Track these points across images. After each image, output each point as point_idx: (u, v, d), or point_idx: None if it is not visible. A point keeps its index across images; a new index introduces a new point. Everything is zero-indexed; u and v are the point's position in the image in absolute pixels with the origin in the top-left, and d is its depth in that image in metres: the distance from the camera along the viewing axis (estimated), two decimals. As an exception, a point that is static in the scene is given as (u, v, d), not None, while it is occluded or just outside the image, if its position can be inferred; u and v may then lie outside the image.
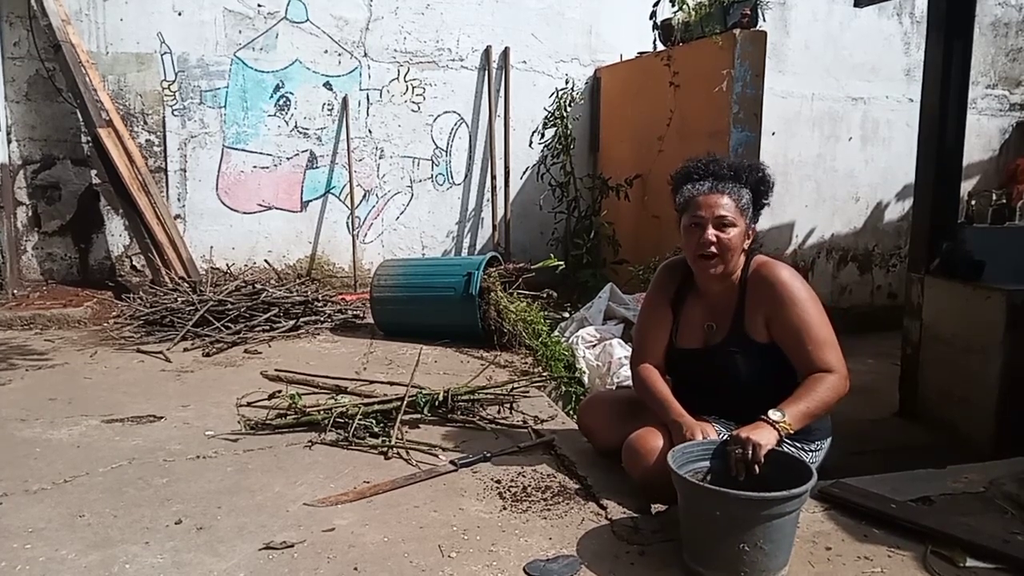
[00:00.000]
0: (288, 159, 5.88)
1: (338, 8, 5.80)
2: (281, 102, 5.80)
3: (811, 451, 2.31)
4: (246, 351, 4.14)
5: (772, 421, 2.03)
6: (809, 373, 2.17)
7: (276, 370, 3.69)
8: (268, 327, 4.53)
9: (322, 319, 4.81)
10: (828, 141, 6.66)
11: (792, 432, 2.06)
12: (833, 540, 2.04)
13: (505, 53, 6.11)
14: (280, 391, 3.12)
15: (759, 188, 2.34)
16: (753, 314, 2.28)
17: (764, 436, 1.98)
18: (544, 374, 3.84)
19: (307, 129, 5.88)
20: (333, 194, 6.01)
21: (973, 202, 5.51)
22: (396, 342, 4.36)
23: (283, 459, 2.61)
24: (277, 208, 5.91)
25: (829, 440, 2.38)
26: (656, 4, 5.19)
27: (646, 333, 2.52)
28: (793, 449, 2.21)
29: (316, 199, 5.99)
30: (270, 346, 4.28)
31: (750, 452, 1.95)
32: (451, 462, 2.55)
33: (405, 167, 6.11)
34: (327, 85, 5.86)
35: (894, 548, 1.99)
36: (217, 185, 5.77)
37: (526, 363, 4.00)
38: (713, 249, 2.25)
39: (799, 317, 2.20)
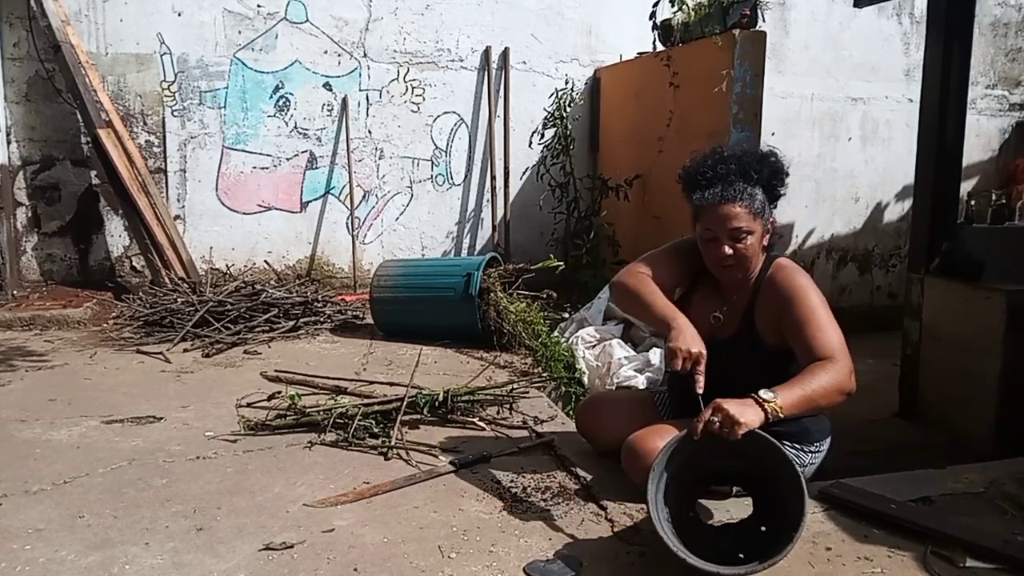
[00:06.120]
0: (288, 160, 5.87)
1: (337, 8, 5.80)
2: (281, 103, 5.80)
3: (810, 452, 2.30)
4: (246, 352, 4.14)
5: (762, 400, 1.91)
6: (811, 361, 2.06)
7: (276, 371, 3.69)
8: (268, 328, 4.53)
9: (322, 320, 4.81)
10: (828, 141, 6.65)
11: (783, 416, 1.92)
12: (833, 540, 2.04)
13: (505, 53, 6.11)
14: (280, 392, 3.13)
15: (772, 183, 2.25)
16: (764, 315, 2.24)
17: (747, 415, 1.86)
18: (544, 374, 3.83)
19: (307, 130, 5.88)
20: (333, 195, 6.01)
21: (973, 202, 5.49)
22: (396, 342, 4.36)
23: (283, 460, 2.61)
24: (277, 209, 5.91)
25: (828, 441, 2.36)
26: (656, 4, 5.19)
27: (658, 259, 2.39)
28: (791, 451, 2.20)
29: (316, 200, 5.99)
30: (270, 347, 4.28)
31: (726, 430, 1.85)
32: (451, 463, 2.55)
33: (405, 167, 6.11)
34: (327, 86, 5.86)
35: (894, 548, 1.99)
36: (217, 186, 5.77)
37: (526, 364, 3.99)
38: (731, 261, 2.22)
39: (808, 309, 2.13)
